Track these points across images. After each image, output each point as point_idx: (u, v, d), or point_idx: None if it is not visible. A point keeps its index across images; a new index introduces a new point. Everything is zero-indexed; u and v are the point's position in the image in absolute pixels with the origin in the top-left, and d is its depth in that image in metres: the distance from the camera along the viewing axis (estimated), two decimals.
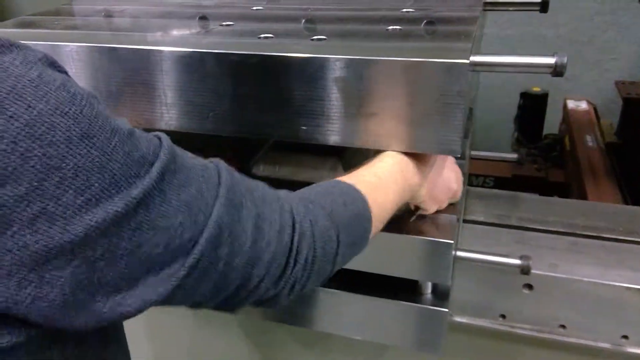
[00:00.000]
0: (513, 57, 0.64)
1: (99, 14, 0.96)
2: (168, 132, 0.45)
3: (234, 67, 0.67)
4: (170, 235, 0.40)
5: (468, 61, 0.59)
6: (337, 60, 0.63)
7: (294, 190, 0.57)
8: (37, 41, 0.75)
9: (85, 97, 0.37)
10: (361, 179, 0.62)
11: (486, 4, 0.92)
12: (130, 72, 0.72)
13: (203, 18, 0.88)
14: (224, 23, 0.82)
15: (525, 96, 1.54)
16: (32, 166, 0.33)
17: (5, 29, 0.85)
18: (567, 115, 1.61)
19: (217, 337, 1.16)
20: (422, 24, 0.78)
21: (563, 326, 0.87)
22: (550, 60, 0.62)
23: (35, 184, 0.33)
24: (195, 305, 0.48)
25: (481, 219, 0.97)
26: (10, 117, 0.33)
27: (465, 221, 0.97)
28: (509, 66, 0.64)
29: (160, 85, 0.72)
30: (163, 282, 0.41)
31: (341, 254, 0.56)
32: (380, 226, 0.63)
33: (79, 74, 0.74)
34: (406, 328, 0.80)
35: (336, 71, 0.64)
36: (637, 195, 1.18)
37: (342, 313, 0.82)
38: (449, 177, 0.77)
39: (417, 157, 0.69)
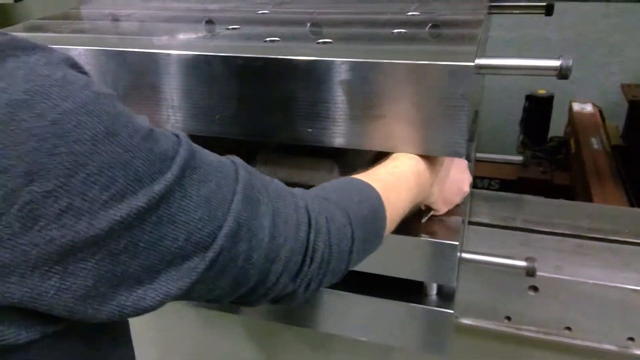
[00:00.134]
0: (518, 59, 0.64)
1: (106, 18, 0.96)
2: None
3: (240, 70, 0.68)
4: (190, 230, 0.41)
5: (473, 64, 0.59)
6: (342, 63, 0.64)
7: None
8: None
9: (108, 96, 0.38)
10: (376, 177, 0.63)
11: (491, 7, 0.93)
12: (137, 75, 0.73)
13: (209, 22, 0.88)
14: (230, 27, 0.83)
15: (531, 99, 1.54)
16: (59, 163, 0.34)
17: (15, 33, 0.86)
18: (573, 118, 1.61)
19: (222, 338, 1.17)
20: (427, 27, 0.78)
21: (569, 328, 0.87)
22: (556, 63, 0.62)
23: (63, 180, 0.34)
24: (214, 299, 0.49)
25: (486, 221, 0.98)
26: (38, 115, 0.34)
27: (470, 223, 0.97)
28: (514, 69, 0.65)
29: (167, 88, 0.72)
30: (184, 276, 0.42)
31: (356, 251, 0.56)
32: (394, 225, 0.63)
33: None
34: (411, 329, 0.80)
35: (342, 74, 0.64)
36: None
37: (347, 314, 0.82)
38: (461, 178, 0.78)
39: (430, 158, 0.69)
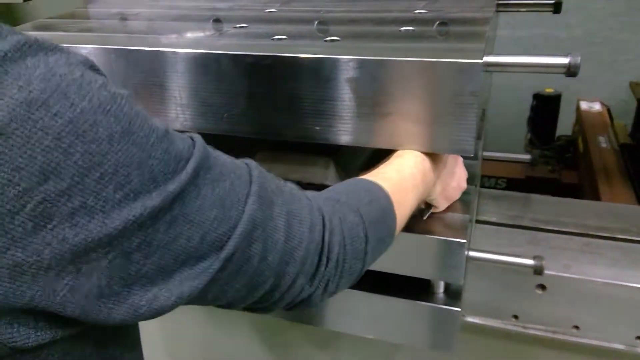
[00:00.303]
0: (526, 57, 0.64)
1: (114, 17, 0.97)
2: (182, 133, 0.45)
3: (248, 68, 0.68)
4: (205, 229, 0.41)
5: (481, 61, 0.59)
6: (350, 60, 0.64)
7: None
8: None
9: (125, 96, 0.38)
10: (383, 176, 0.63)
11: (499, 4, 0.92)
12: (146, 74, 0.73)
13: (217, 21, 0.89)
14: (237, 25, 0.83)
15: (538, 97, 1.54)
16: (75, 162, 0.34)
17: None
18: (580, 117, 1.60)
19: (229, 336, 1.17)
20: (435, 25, 0.78)
21: (576, 327, 0.86)
22: (564, 61, 0.62)
23: (77, 179, 0.34)
24: (229, 304, 0.48)
25: (494, 219, 0.97)
26: (55, 114, 0.34)
27: (477, 222, 0.97)
28: (523, 66, 0.64)
29: (175, 86, 0.72)
30: (198, 276, 0.42)
31: (370, 251, 0.56)
32: (403, 223, 0.63)
33: None
34: (418, 327, 0.80)
35: (349, 72, 0.64)
36: None
37: (354, 312, 0.83)
38: (460, 175, 0.78)
39: (433, 155, 0.69)
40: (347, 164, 0.82)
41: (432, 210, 0.76)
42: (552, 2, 0.95)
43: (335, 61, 0.65)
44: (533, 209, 1.01)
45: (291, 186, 0.53)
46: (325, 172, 0.80)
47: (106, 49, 0.74)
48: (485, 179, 1.48)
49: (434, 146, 0.66)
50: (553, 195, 1.08)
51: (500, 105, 1.85)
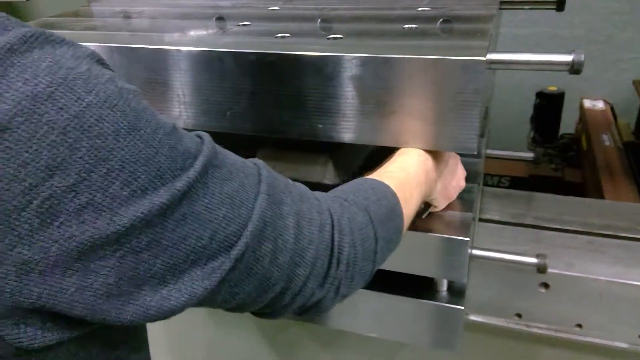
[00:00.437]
0: (530, 55, 0.64)
1: (117, 15, 0.97)
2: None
3: (251, 65, 0.68)
4: (215, 228, 0.40)
5: (485, 58, 0.59)
6: (353, 58, 0.64)
7: None
8: None
9: (132, 91, 0.38)
10: (388, 175, 0.62)
11: (502, 2, 0.92)
12: (149, 72, 0.73)
13: (220, 19, 0.89)
14: (240, 23, 0.83)
15: (541, 96, 1.53)
16: (81, 157, 0.34)
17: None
18: (584, 115, 1.60)
19: (233, 334, 1.17)
20: (438, 23, 0.78)
21: (580, 325, 0.86)
22: (568, 58, 0.61)
23: (84, 175, 0.34)
24: (239, 307, 0.48)
25: (497, 217, 0.97)
26: (60, 108, 0.33)
27: (481, 220, 0.97)
28: (526, 64, 0.64)
29: (178, 84, 0.73)
30: (209, 275, 0.41)
31: (380, 250, 0.55)
32: (409, 222, 0.63)
33: None
34: (422, 325, 0.80)
35: (352, 69, 0.64)
36: None
37: (358, 310, 0.83)
38: (460, 174, 0.78)
39: (435, 153, 0.69)
40: (346, 162, 0.82)
41: (430, 210, 0.76)
42: None
43: (338, 59, 0.65)
44: (536, 207, 1.00)
45: (300, 186, 0.52)
46: (324, 171, 0.80)
47: (109, 47, 0.74)
48: (489, 177, 1.48)
49: (437, 144, 0.66)
50: (556, 193, 1.08)
51: (503, 103, 1.85)
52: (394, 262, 0.75)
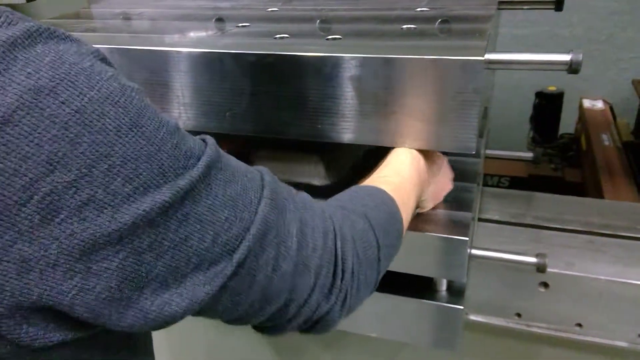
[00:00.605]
0: (528, 54, 0.64)
1: (117, 17, 0.97)
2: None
3: (251, 66, 0.68)
4: (217, 230, 0.40)
5: (483, 58, 0.59)
6: (352, 58, 0.64)
7: None
8: None
9: (135, 89, 0.38)
10: (383, 179, 0.62)
11: (501, 2, 0.92)
12: (149, 73, 0.73)
13: (219, 20, 0.89)
14: (240, 24, 0.83)
15: (541, 95, 1.53)
16: (82, 152, 0.34)
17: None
18: (583, 115, 1.60)
19: (234, 334, 1.17)
20: (437, 23, 0.78)
21: (579, 325, 0.86)
22: (566, 58, 0.61)
23: (84, 170, 0.34)
24: (241, 318, 0.46)
25: (496, 217, 0.97)
26: (62, 102, 0.33)
27: (480, 220, 0.97)
28: (524, 64, 0.64)
29: (177, 85, 0.73)
30: (210, 280, 0.40)
31: (382, 257, 0.55)
32: (407, 225, 0.63)
33: None
34: (421, 325, 0.80)
35: (351, 70, 0.65)
36: None
37: (358, 310, 0.82)
38: (448, 175, 0.78)
39: (426, 154, 0.69)
40: (337, 163, 0.82)
41: (417, 211, 0.75)
42: None
43: (337, 59, 0.65)
44: (536, 206, 1.01)
45: (303, 194, 0.52)
46: (314, 171, 0.80)
47: (110, 48, 0.74)
48: (488, 177, 1.48)
49: (436, 144, 0.66)
50: (556, 193, 1.08)
51: (503, 103, 1.85)
52: (394, 262, 0.75)
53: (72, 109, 0.34)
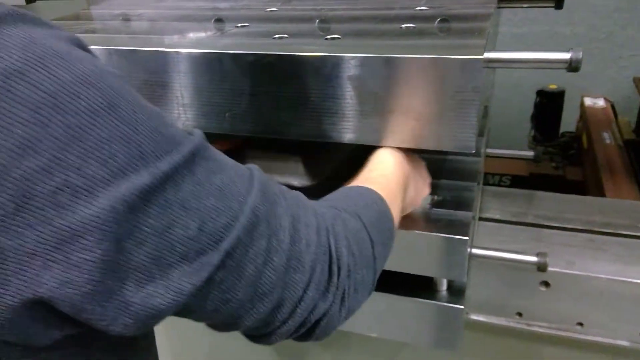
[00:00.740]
0: (528, 53, 0.64)
1: (117, 18, 0.97)
2: None
3: (250, 67, 0.68)
4: (203, 218, 0.38)
5: (482, 57, 0.59)
6: (351, 58, 0.64)
7: None
8: None
9: (114, 74, 0.37)
10: (370, 181, 0.62)
11: (500, 0, 0.92)
12: (148, 74, 0.73)
13: (219, 20, 0.89)
14: (239, 25, 0.83)
15: (542, 94, 1.53)
16: (54, 136, 0.32)
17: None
18: (584, 113, 1.60)
19: (234, 334, 1.17)
20: (436, 22, 0.78)
21: (580, 324, 0.86)
22: (566, 56, 0.61)
23: (57, 154, 0.32)
24: (231, 317, 0.44)
25: (497, 216, 0.97)
26: (33, 85, 0.32)
27: (481, 219, 0.97)
28: (524, 62, 0.64)
29: (177, 86, 0.73)
30: (197, 271, 0.39)
31: (377, 256, 0.54)
32: (397, 225, 0.62)
33: None
34: (422, 325, 0.80)
35: (351, 69, 0.64)
36: None
37: (358, 310, 0.82)
38: (427, 180, 0.76)
39: (409, 157, 0.69)
40: (318, 165, 0.82)
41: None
42: None
43: (336, 59, 0.65)
44: (537, 205, 1.00)
45: (295, 192, 0.50)
46: (295, 171, 0.80)
47: (109, 49, 0.74)
48: (490, 176, 1.48)
49: (435, 143, 0.66)
50: (557, 191, 1.08)
51: (504, 102, 1.85)
52: (393, 261, 0.75)
53: (44, 92, 0.32)
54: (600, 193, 1.18)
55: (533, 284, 0.86)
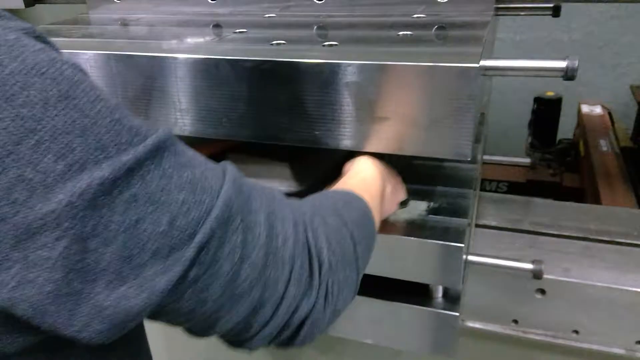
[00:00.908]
0: (524, 61, 0.64)
1: (115, 23, 0.98)
2: (182, 138, 0.43)
3: (247, 72, 0.68)
4: (174, 213, 0.37)
5: (478, 65, 0.59)
6: (348, 65, 0.64)
7: None
8: None
9: (69, 63, 0.35)
10: (350, 185, 0.62)
11: (497, 8, 0.93)
12: (146, 79, 0.73)
13: (217, 26, 0.89)
14: (237, 30, 0.83)
15: (539, 101, 1.54)
16: (4, 129, 0.30)
17: None
18: (582, 120, 1.60)
19: None
20: (433, 29, 0.78)
21: (576, 331, 0.86)
22: (562, 64, 0.62)
23: (10, 148, 0.31)
24: (209, 319, 0.43)
25: (494, 223, 0.97)
26: None
27: (477, 226, 0.97)
28: (520, 70, 0.64)
29: (174, 91, 0.73)
30: (170, 268, 0.37)
31: (360, 256, 0.53)
32: (378, 228, 0.62)
33: (95, 81, 0.75)
34: (417, 332, 0.80)
35: (348, 76, 0.65)
36: None
37: (353, 317, 0.82)
38: (400, 189, 0.76)
39: (384, 164, 0.69)
40: (305, 171, 0.82)
41: None
42: (551, 5, 0.95)
43: (334, 66, 0.65)
44: (533, 212, 1.01)
45: (271, 188, 0.49)
46: (281, 176, 0.80)
47: (107, 54, 0.74)
48: (487, 182, 1.48)
49: (432, 150, 0.66)
50: (555, 198, 1.08)
51: (501, 108, 1.86)
52: (389, 268, 0.75)
53: None
54: (597, 200, 1.19)
55: (529, 291, 0.86)
